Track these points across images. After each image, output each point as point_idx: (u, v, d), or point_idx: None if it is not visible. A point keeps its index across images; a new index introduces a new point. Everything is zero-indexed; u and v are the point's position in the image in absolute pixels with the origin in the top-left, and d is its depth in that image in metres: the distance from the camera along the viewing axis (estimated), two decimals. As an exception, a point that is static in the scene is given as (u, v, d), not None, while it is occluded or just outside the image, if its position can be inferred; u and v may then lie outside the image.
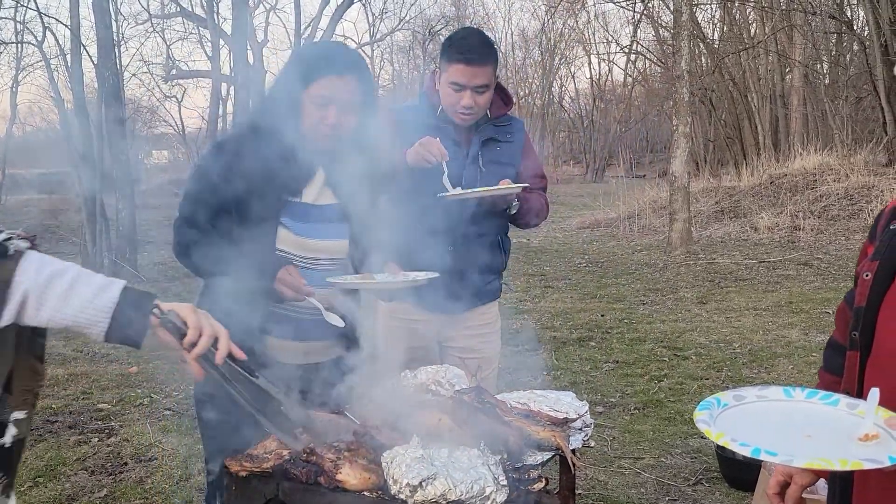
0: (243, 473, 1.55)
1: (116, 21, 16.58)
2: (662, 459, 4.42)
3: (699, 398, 5.45)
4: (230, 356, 1.46)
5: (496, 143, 2.87)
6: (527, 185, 2.77)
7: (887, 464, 1.17)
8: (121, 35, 20.14)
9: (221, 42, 18.94)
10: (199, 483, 3.99)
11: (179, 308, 1.41)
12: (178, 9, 22.29)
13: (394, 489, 1.43)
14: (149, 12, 23.01)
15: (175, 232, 2.14)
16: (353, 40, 31.26)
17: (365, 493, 1.47)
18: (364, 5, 28.22)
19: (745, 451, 1.23)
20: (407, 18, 27.22)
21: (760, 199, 14.24)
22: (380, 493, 1.47)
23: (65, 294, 1.33)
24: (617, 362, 6.31)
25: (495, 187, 2.68)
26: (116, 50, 12.74)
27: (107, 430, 4.88)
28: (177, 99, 30.63)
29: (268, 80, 15.78)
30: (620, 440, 4.68)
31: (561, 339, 7.10)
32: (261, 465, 1.55)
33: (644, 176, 27.02)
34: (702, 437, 4.50)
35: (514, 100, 2.88)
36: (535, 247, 13.47)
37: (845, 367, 1.45)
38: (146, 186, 20.28)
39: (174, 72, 25.57)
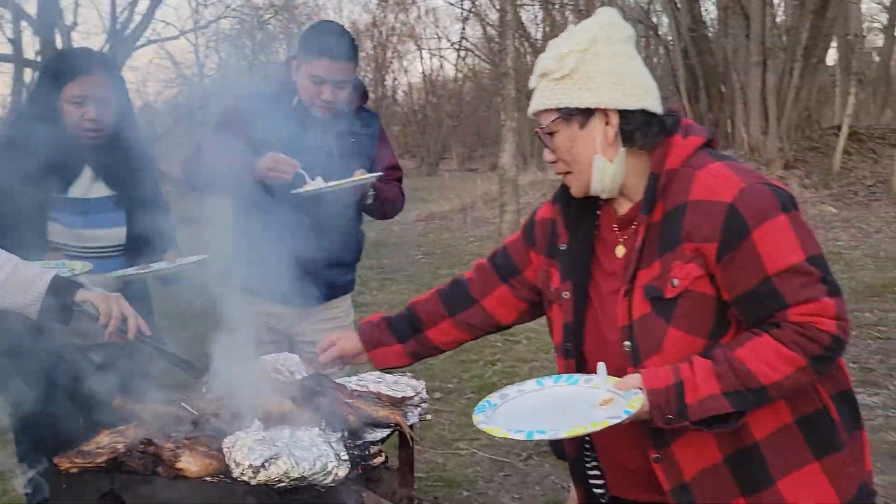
0: (74, 470, 1.51)
1: None
2: (496, 439, 4.64)
3: (530, 379, 5.80)
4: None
5: (352, 135, 2.87)
6: (381, 174, 2.80)
7: (624, 417, 1.45)
8: None
9: (24, 24, 17.34)
10: (18, 498, 3.71)
11: (93, 296, 1.70)
12: (-28, -15, 20.15)
13: (236, 472, 1.46)
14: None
15: None
16: (174, 27, 29.78)
17: (207, 478, 1.48)
18: (186, -10, 26.84)
19: (520, 437, 1.47)
20: (233, 6, 26.20)
21: (582, 191, 15.16)
22: (222, 477, 1.48)
23: (5, 281, 1.65)
24: (452, 350, 6.52)
25: (349, 179, 2.69)
26: None
27: None
28: (-28, 85, 27.65)
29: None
30: (458, 423, 4.86)
31: (399, 329, 7.23)
32: (94, 460, 1.51)
33: (476, 169, 27.85)
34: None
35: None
36: (373, 240, 13.49)
37: (564, 371, 1.75)
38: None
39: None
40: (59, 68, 2.30)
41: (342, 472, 1.51)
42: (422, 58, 36.54)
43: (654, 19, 21.56)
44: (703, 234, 1.52)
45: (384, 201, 2.91)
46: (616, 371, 1.62)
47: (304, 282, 2.84)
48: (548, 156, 1.69)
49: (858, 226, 11.29)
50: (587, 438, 1.78)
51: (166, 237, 2.42)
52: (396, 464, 2.12)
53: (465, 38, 28.87)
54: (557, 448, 1.92)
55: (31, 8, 16.47)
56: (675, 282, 1.54)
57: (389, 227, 15.62)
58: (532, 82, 1.69)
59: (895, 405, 4.75)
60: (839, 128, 13.65)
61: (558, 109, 1.62)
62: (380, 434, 1.81)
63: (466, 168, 28.72)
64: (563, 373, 1.75)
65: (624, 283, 1.62)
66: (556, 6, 23.18)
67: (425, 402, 2.03)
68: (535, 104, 1.67)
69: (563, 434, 1.45)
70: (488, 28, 27.48)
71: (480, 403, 1.65)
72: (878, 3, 25.99)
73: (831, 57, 19.77)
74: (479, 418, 1.58)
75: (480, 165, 30.25)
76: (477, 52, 30.72)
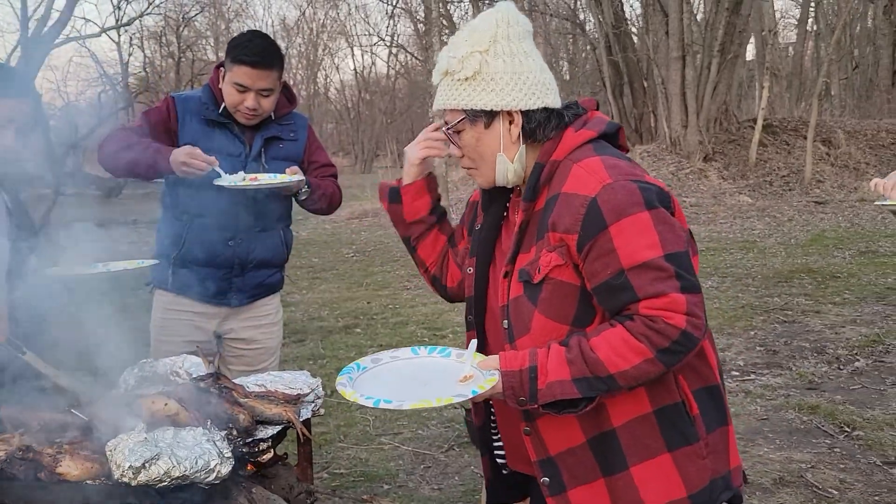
0: (-47, 480, 1.51)
1: None
2: (420, 432, 4.73)
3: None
4: None
5: (279, 141, 2.91)
6: (302, 178, 2.82)
7: (469, 396, 1.53)
8: None
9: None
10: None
11: None
12: None
13: (116, 474, 1.48)
14: None
15: None
16: (95, 23, 28.81)
17: (87, 482, 1.51)
18: (107, -14, 26.07)
19: (368, 403, 1.52)
20: (157, 2, 25.58)
21: (512, 186, 15.39)
22: (103, 479, 1.51)
23: None
24: (381, 346, 6.57)
25: (268, 183, 2.73)
26: None
27: None
28: None
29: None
30: (381, 419, 4.92)
31: (328, 328, 7.25)
32: (-27, 469, 1.52)
33: (410, 166, 27.86)
34: (455, 409, 4.89)
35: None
36: (303, 239, 13.46)
37: (466, 342, 1.82)
38: None
39: None
40: None
41: (225, 469, 1.56)
42: (353, 55, 36.29)
43: (581, 16, 22.02)
44: (566, 226, 1.58)
45: (321, 197, 2.95)
46: (498, 347, 1.70)
47: (233, 282, 2.90)
48: (454, 151, 1.73)
49: (773, 215, 11.80)
50: (492, 410, 1.85)
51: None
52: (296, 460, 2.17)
53: (396, 35, 28.80)
54: (476, 436, 1.95)
55: (-62, 5, 15.72)
56: (540, 268, 1.61)
57: (321, 225, 15.56)
58: (434, 79, 1.71)
59: (796, 385, 5.02)
60: (755, 121, 14.21)
61: (464, 111, 1.66)
62: (271, 431, 1.85)
63: (401, 165, 28.66)
64: (466, 344, 1.78)
65: (505, 265, 1.69)
66: (485, 3, 23.38)
67: (320, 398, 2.09)
68: (441, 102, 1.70)
69: (408, 406, 1.52)
70: (419, 25, 27.51)
71: (348, 366, 1.69)
72: (791, 0, 27.07)
73: (750, 52, 20.53)
74: (340, 380, 1.61)
75: (415, 162, 30.25)
76: (408, 49, 30.72)
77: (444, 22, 18.21)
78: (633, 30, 19.45)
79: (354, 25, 36.55)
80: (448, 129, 1.71)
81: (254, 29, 3.50)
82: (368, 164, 32.83)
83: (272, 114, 2.89)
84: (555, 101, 1.68)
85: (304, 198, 2.91)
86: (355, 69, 36.95)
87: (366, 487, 4.04)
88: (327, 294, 8.91)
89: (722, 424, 1.71)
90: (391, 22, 26.44)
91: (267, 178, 2.75)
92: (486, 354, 1.71)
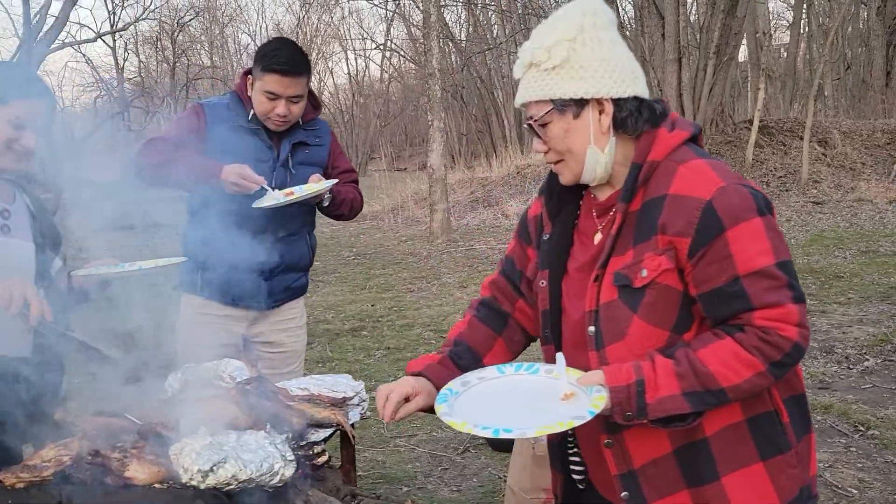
0: (21, 485, 1.52)
1: None
2: (434, 434, 4.74)
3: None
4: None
5: (305, 146, 2.96)
6: (335, 181, 2.88)
7: (588, 417, 1.46)
8: None
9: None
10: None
11: None
12: None
13: (185, 477, 1.50)
14: None
15: None
16: (90, 29, 28.70)
17: (155, 485, 1.52)
18: (101, -9, 25.96)
19: (486, 434, 1.45)
20: (152, 7, 25.53)
21: (510, 188, 15.42)
22: (170, 483, 1.52)
23: None
24: (388, 349, 6.59)
25: (305, 189, 2.76)
26: None
27: None
28: None
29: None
30: (395, 421, 4.93)
31: (334, 331, 7.25)
32: (40, 474, 1.53)
33: (405, 169, 27.95)
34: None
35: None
36: (302, 243, 13.45)
37: (546, 360, 1.77)
38: None
39: None
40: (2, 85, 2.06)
41: (288, 472, 1.57)
42: (347, 59, 36.31)
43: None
44: (678, 229, 1.52)
45: (342, 202, 2.99)
46: (579, 356, 1.62)
47: (261, 286, 2.92)
48: (538, 146, 1.66)
49: (771, 215, 11.85)
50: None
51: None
52: (339, 462, 2.18)
53: (391, 39, 28.84)
54: (494, 441, 1.94)
55: (-67, 10, 15.65)
56: (644, 272, 1.55)
57: (319, 228, 15.28)
58: (517, 73, 1.65)
59: (807, 385, 4.99)
60: (751, 122, 14.28)
61: (552, 101, 1.59)
62: (322, 434, 1.87)
63: (395, 168, 28.75)
64: (546, 359, 1.74)
65: (596, 268, 1.62)
66: (479, 6, 23.46)
67: (365, 401, 2.10)
68: (526, 95, 1.63)
69: (532, 434, 1.44)
70: (413, 29, 27.55)
71: (442, 392, 1.62)
72: (783, 2, 27.29)
73: (742, 54, 20.65)
74: (441, 409, 1.55)
75: (409, 165, 30.35)
76: (402, 53, 30.76)
77: (441, 25, 18.24)
78: (627, 32, 19.52)
79: (348, 30, 36.59)
80: (534, 122, 1.64)
81: (280, 37, 3.53)
82: (363, 168, 32.79)
83: (299, 119, 2.93)
84: (644, 90, 1.63)
85: (327, 204, 2.96)
86: (349, 73, 37.00)
87: (385, 489, 4.05)
88: (331, 297, 8.91)
89: (807, 432, 1.69)
90: (388, 26, 26.46)
91: (300, 191, 2.78)
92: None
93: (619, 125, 1.61)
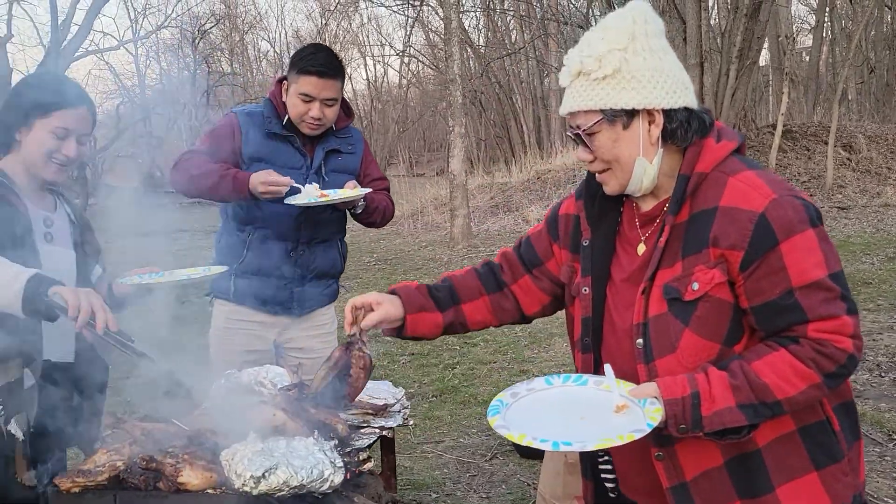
0: (76, 489, 1.54)
1: None
2: (461, 440, 4.74)
3: (489, 381, 5.87)
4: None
5: (338, 153, 2.98)
6: (369, 189, 2.91)
7: (647, 430, 1.45)
8: None
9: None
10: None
11: (63, 291, 1.73)
12: None
13: (237, 483, 1.51)
14: None
15: None
16: (113, 37, 29.03)
17: (208, 491, 1.53)
18: (125, 0, 26.33)
19: (546, 447, 1.44)
20: (173, 15, 25.83)
21: (530, 194, 15.40)
22: (223, 489, 1.53)
23: None
24: (412, 354, 6.60)
25: (340, 192, 2.78)
26: None
27: None
28: None
29: (16, 79, 14.22)
30: (422, 427, 4.94)
31: (358, 337, 7.26)
32: (95, 478, 1.55)
33: (424, 174, 27.99)
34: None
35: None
36: (323, 248, 13.50)
37: (581, 367, 1.76)
38: None
39: None
40: (44, 94, 2.12)
41: (338, 478, 1.58)
42: (366, 65, 36.48)
43: (594, 24, 21.99)
44: (730, 241, 1.51)
45: (374, 210, 3.00)
46: (625, 368, 1.62)
47: (293, 292, 2.94)
48: (584, 155, 1.64)
49: (795, 220, 11.72)
50: None
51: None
52: (379, 469, 2.19)
53: (410, 45, 28.93)
54: (523, 448, 1.94)
55: (-38, 20, 15.95)
56: (696, 285, 1.54)
57: (341, 234, 15.58)
58: (563, 81, 1.63)
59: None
60: (774, 126, 14.18)
61: (602, 111, 1.57)
62: (366, 440, 1.88)
63: (414, 173, 28.80)
64: (579, 367, 1.74)
65: (643, 280, 1.61)
66: (497, 12, 23.49)
67: (406, 407, 2.11)
68: (574, 104, 1.61)
69: (592, 447, 1.43)
70: (431, 34, 27.63)
71: (493, 404, 1.61)
72: (806, 6, 27.08)
73: (764, 58, 20.50)
74: (496, 421, 1.54)
75: (427, 170, 30.39)
76: (421, 59, 30.85)
77: (461, 31, 18.28)
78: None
79: (367, 36, 36.74)
80: (581, 131, 1.62)
81: (315, 43, 3.58)
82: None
83: (332, 126, 2.95)
84: (693, 100, 1.61)
85: (359, 211, 2.97)
86: (367, 79, 37.17)
87: (414, 496, 4.05)
88: (353, 303, 8.92)
89: (856, 439, 1.68)
90: (407, 32, 26.54)
91: (335, 194, 2.79)
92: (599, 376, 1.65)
93: (668, 136, 1.60)
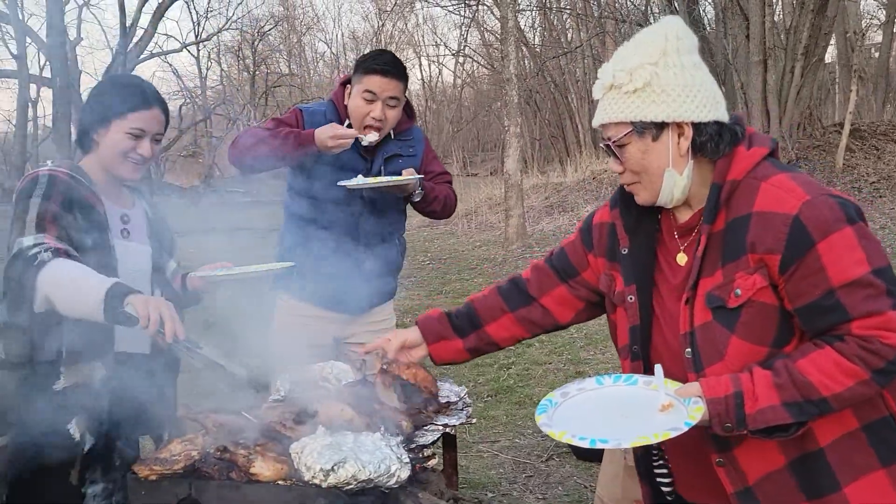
0: (153, 477, 1.59)
1: None
2: (517, 440, 4.73)
3: (545, 381, 5.84)
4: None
5: (399, 157, 3.01)
6: (421, 176, 2.94)
7: (684, 429, 1.48)
8: None
9: (27, 40, 17.48)
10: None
11: (135, 301, 1.78)
12: (-26, 3, 20.28)
13: (307, 475, 1.54)
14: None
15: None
16: (176, 39, 29.87)
17: (279, 482, 1.57)
18: (188, 4, 27.10)
19: (584, 444, 1.50)
20: (234, 18, 26.44)
21: (585, 194, 15.26)
22: (293, 481, 1.57)
23: (70, 296, 1.83)
24: (466, 354, 6.60)
25: (392, 179, 2.82)
26: None
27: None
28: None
29: (84, 81, 14.78)
30: (477, 426, 4.94)
31: (413, 336, 7.30)
32: (171, 466, 1.60)
33: (477, 174, 27.97)
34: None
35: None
36: (378, 247, 13.61)
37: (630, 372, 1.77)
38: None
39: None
40: (122, 94, 2.17)
41: (404, 473, 1.60)
42: (420, 65, 36.69)
43: (652, 21, 21.66)
44: (767, 246, 1.53)
45: (434, 199, 3.03)
46: (678, 377, 1.64)
47: (354, 288, 2.98)
48: (615, 166, 1.69)
49: (863, 222, 11.34)
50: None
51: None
52: (441, 466, 2.20)
53: (465, 45, 28.96)
54: (580, 450, 1.95)
55: (35, 24, 16.60)
56: (739, 292, 1.56)
57: (395, 233, 15.71)
58: (596, 93, 1.67)
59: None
60: (841, 125, 13.73)
61: (632, 123, 1.62)
62: (431, 437, 1.89)
63: (468, 173, 28.82)
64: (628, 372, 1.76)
65: (686, 290, 1.63)
66: (554, 11, 23.32)
67: (469, 406, 2.12)
68: (605, 116, 1.65)
69: (627, 444, 1.47)
70: (486, 34, 27.60)
71: (542, 402, 1.67)
72: (875, 0, 26.15)
73: (830, 54, 19.87)
74: (541, 419, 1.60)
75: (481, 170, 30.35)
76: (476, 59, 30.85)
77: (517, 31, 18.22)
78: (706, 34, 19.07)
79: (423, 36, 36.97)
80: (612, 143, 1.66)
81: (380, 48, 3.64)
82: (435, 173, 32.95)
83: (391, 132, 2.98)
84: (724, 114, 1.64)
85: (418, 199, 2.99)
86: (422, 78, 37.37)
87: (470, 494, 4.06)
88: (408, 301, 8.98)
89: None
90: (464, 32, 26.55)
91: (386, 179, 2.84)
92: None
93: (697, 149, 1.63)
